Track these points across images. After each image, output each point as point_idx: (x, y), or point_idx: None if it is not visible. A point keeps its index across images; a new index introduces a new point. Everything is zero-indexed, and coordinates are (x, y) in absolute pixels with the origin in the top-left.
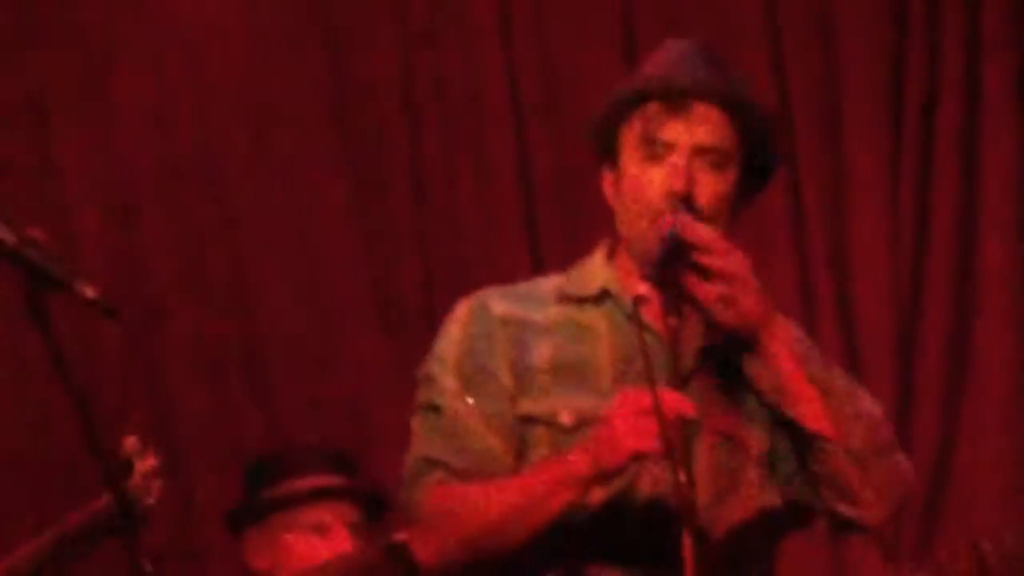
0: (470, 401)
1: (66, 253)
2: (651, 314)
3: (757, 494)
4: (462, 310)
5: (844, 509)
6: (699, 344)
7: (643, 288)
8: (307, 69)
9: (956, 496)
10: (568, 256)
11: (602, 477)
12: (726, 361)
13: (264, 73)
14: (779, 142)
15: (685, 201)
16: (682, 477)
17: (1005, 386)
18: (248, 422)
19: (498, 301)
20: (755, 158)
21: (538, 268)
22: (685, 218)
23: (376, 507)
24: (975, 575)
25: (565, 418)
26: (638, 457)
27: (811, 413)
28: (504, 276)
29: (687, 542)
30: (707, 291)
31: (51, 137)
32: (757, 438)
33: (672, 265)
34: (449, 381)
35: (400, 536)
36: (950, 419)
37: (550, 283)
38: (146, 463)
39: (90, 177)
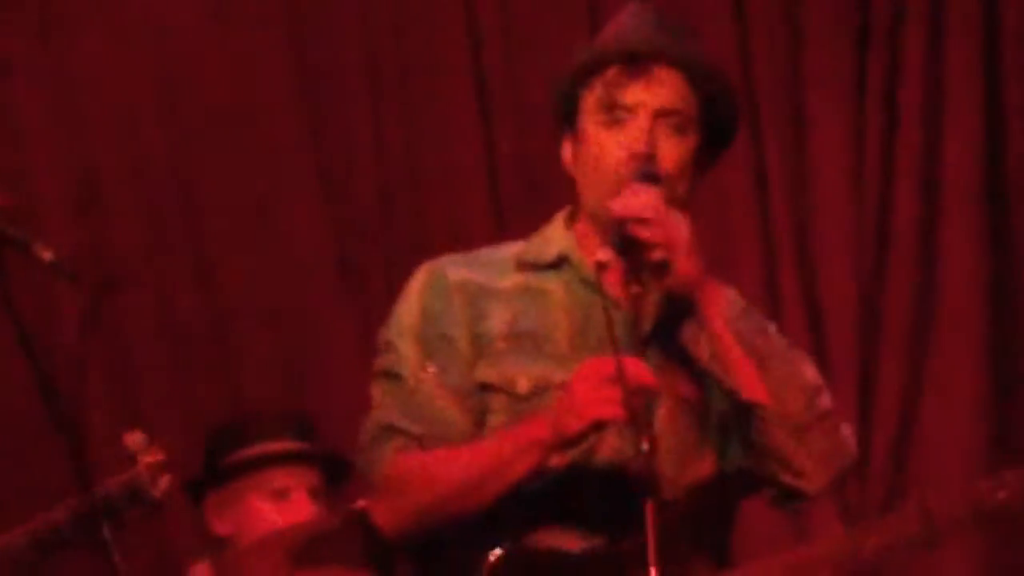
0: (430, 369)
1: (27, 218)
2: (609, 280)
3: (717, 460)
4: (420, 278)
5: (785, 479)
6: (658, 310)
7: (604, 255)
8: (270, 29)
9: (921, 449)
10: (531, 218)
11: (563, 444)
12: (684, 319)
13: (227, 40)
14: (738, 106)
15: (647, 161)
16: (645, 446)
17: (970, 340)
18: (210, 389)
19: (456, 268)
20: (715, 123)
21: (500, 229)
22: (622, 198)
23: (337, 471)
24: (927, 542)
25: (522, 385)
26: (600, 425)
27: (746, 381)
28: (466, 240)
29: (649, 511)
30: (649, 257)
31: (12, 102)
32: (718, 403)
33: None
34: (408, 349)
35: (360, 503)
36: (915, 373)
37: (510, 250)
38: (151, 458)
39: (52, 143)
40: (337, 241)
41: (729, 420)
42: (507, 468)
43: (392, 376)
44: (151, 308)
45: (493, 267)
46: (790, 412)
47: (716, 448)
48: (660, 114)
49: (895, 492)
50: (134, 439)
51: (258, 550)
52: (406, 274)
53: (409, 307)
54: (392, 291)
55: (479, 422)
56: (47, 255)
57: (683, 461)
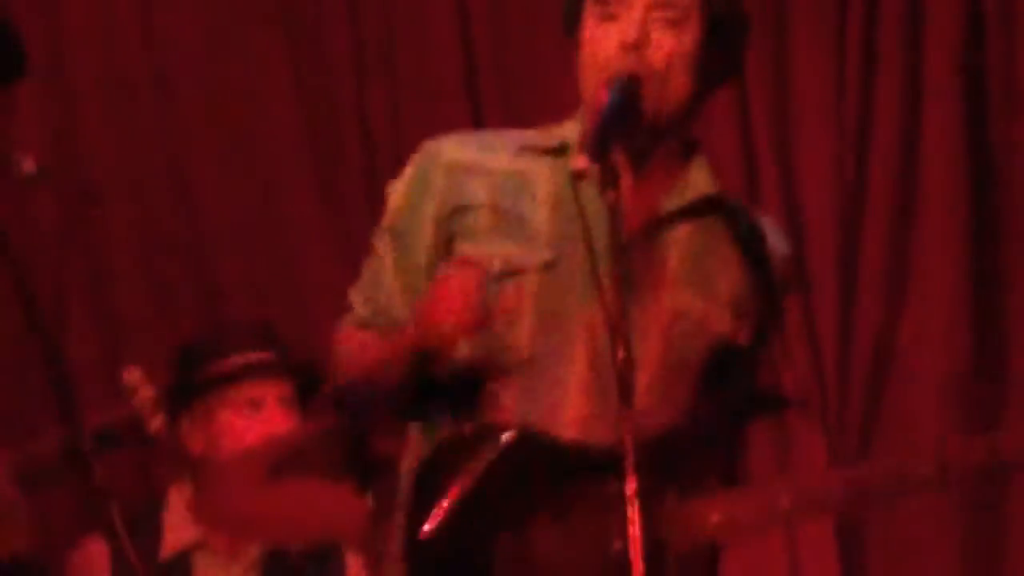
0: (392, 252)
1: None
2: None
3: (695, 381)
4: (414, 159)
5: None
6: (650, 215)
7: (582, 161)
8: None
9: (898, 378)
10: (505, 111)
11: (425, 353)
12: (707, 238)
13: None
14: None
15: (638, 49)
16: (621, 353)
17: (948, 270)
18: (187, 305)
19: (455, 147)
20: (719, 16)
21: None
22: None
23: (309, 382)
24: (937, 482)
25: (496, 264)
26: (458, 333)
27: None
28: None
29: (625, 421)
30: None
31: None
32: (719, 319)
33: (609, 137)
34: (384, 229)
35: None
36: (893, 302)
37: (526, 134)
38: (147, 393)
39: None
40: (315, 147)
41: (741, 349)
42: (391, 367)
43: (371, 254)
44: (126, 221)
45: (494, 148)
46: None
47: (711, 365)
48: (654, 6)
49: (872, 415)
50: (132, 375)
51: (237, 466)
52: (384, 177)
53: (396, 190)
54: (371, 197)
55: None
56: (28, 165)
57: (670, 372)
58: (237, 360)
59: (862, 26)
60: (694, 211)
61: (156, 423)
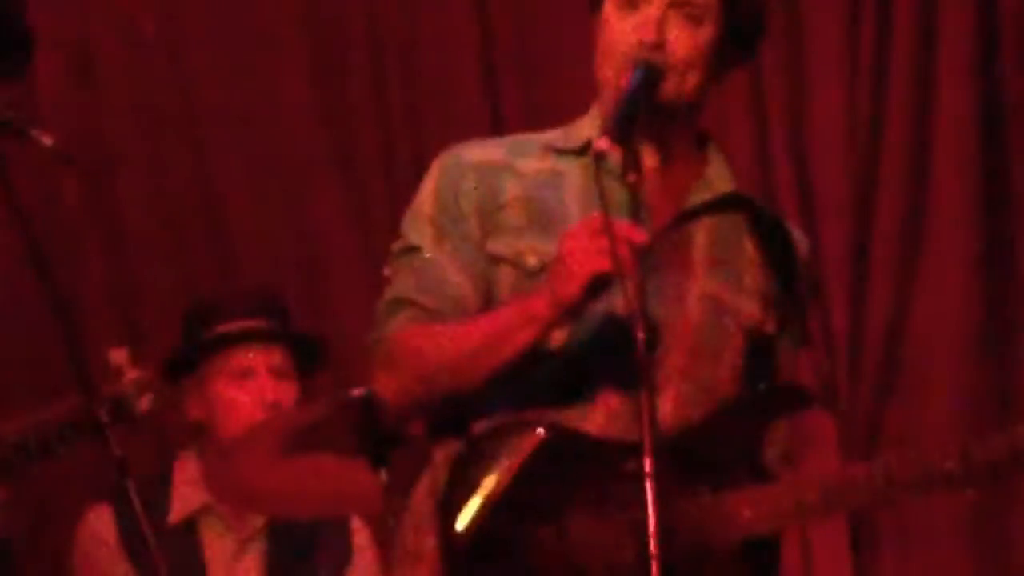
0: (445, 246)
1: (23, 103)
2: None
3: (735, 371)
4: (435, 165)
5: None
6: (676, 210)
7: (603, 143)
8: None
9: (909, 370)
10: (524, 106)
11: (561, 310)
12: (734, 233)
13: None
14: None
15: (656, 49)
16: (641, 335)
17: (960, 264)
18: (206, 279)
19: (473, 150)
20: (739, 17)
21: (496, 119)
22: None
23: (308, 352)
24: (961, 476)
25: (531, 261)
26: (596, 284)
27: None
28: (461, 127)
29: (644, 402)
30: None
31: None
32: (748, 307)
33: (631, 121)
34: (423, 228)
35: (354, 391)
36: (905, 294)
37: (543, 136)
38: (135, 374)
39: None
40: (333, 128)
41: (769, 339)
42: (504, 342)
43: (408, 252)
44: (145, 194)
45: (518, 149)
46: None
47: (740, 351)
48: (674, 3)
49: (882, 407)
50: (119, 355)
51: (248, 440)
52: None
53: (424, 194)
54: (390, 178)
55: (489, 299)
56: (46, 140)
57: (698, 352)
58: (228, 327)
59: (876, 22)
60: (719, 206)
61: (144, 403)
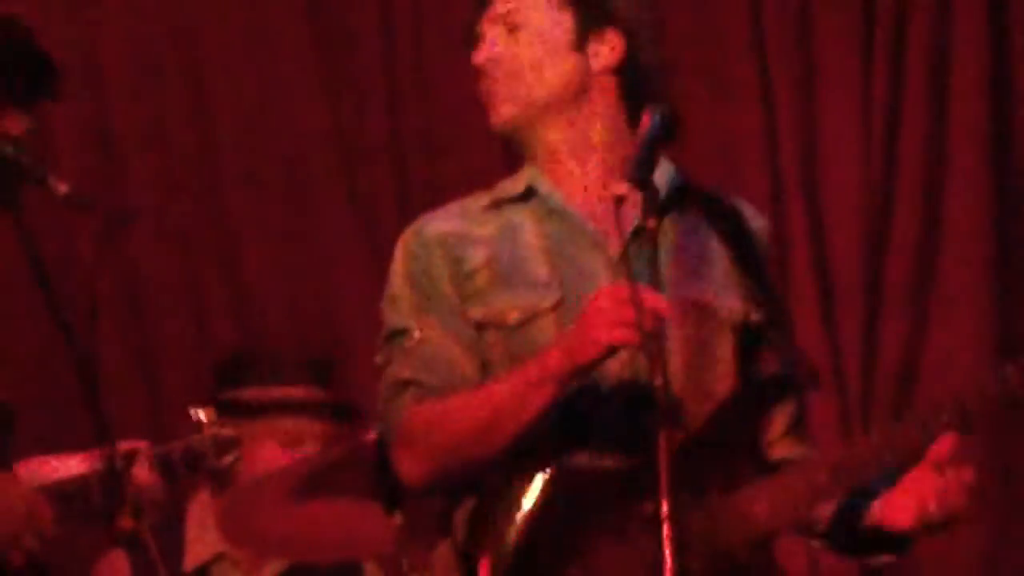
0: (431, 323)
1: (42, 149)
2: (574, 202)
3: (731, 369)
4: (400, 245)
5: None
6: (636, 223)
7: (621, 188)
8: None
9: (922, 395)
10: None
11: (578, 372)
12: (693, 230)
13: None
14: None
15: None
16: (659, 381)
17: (974, 288)
18: (221, 319)
19: (434, 223)
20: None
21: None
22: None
23: (346, 417)
24: (959, 427)
25: (511, 317)
26: (614, 350)
27: None
28: (478, 184)
29: (663, 442)
30: None
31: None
32: (729, 303)
33: (651, 165)
34: (406, 310)
35: (367, 436)
36: (918, 320)
37: (484, 196)
38: (222, 432)
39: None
40: (348, 175)
41: (756, 328)
42: (523, 406)
43: (396, 336)
44: (160, 234)
45: (469, 216)
46: None
47: (730, 356)
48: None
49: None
50: (202, 413)
51: (264, 484)
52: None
53: (396, 275)
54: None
55: (483, 366)
56: (63, 188)
57: (694, 371)
58: (284, 393)
59: (889, 44)
60: (672, 202)
61: (226, 461)
